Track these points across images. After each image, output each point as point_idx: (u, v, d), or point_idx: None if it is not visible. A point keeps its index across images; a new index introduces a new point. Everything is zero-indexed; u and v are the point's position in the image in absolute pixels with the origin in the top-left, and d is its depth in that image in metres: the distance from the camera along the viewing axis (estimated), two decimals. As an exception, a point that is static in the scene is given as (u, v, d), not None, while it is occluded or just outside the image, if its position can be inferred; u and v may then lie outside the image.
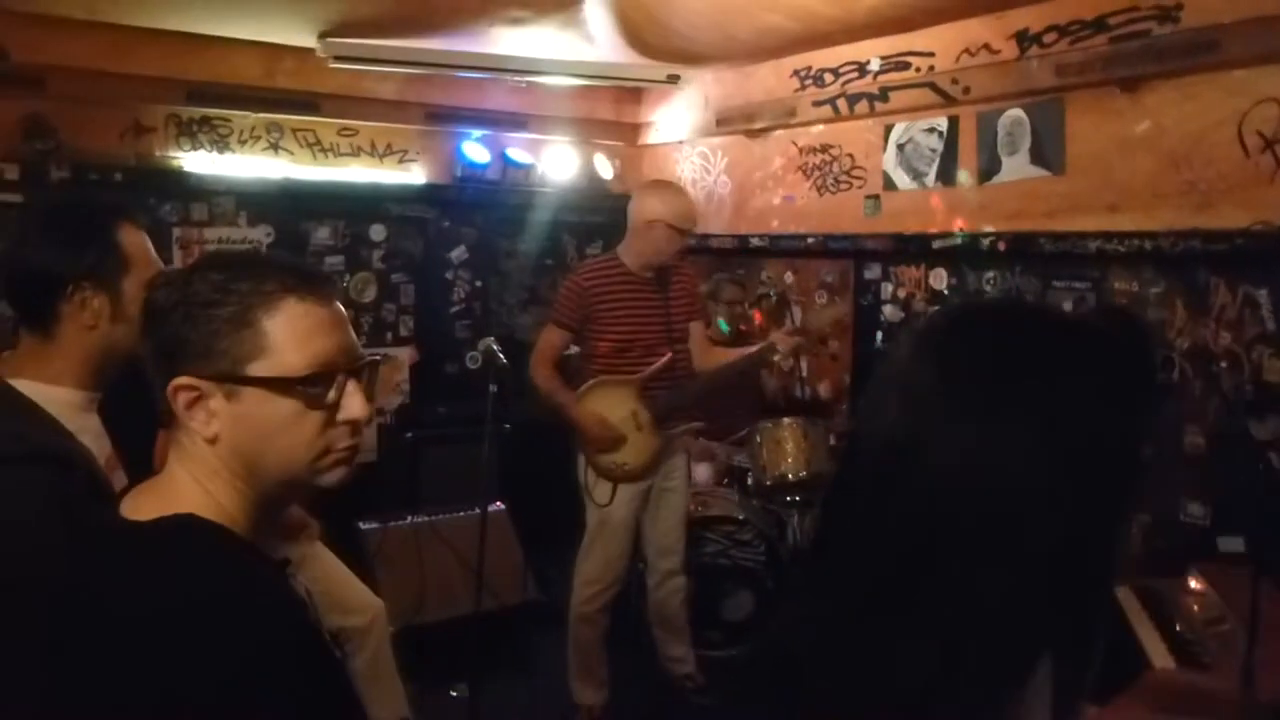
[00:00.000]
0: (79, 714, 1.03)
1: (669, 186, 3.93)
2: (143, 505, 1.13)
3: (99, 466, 1.63)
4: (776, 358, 3.91)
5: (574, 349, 3.94)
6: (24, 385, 1.62)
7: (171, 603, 1.01)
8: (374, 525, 4.39)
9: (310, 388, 1.13)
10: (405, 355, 5.41)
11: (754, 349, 3.91)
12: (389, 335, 5.38)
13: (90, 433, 1.67)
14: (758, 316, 5.29)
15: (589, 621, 3.82)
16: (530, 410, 3.91)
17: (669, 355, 3.71)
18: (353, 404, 1.17)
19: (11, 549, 1.46)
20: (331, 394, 1.16)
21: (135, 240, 1.75)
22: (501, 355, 3.40)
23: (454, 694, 3.89)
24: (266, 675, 0.99)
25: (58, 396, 1.64)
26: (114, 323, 1.70)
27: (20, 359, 1.68)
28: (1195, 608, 2.92)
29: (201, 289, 1.11)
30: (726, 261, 5.54)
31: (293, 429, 1.13)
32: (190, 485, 1.14)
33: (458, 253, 5.61)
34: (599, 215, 5.97)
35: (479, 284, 5.69)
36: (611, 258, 3.81)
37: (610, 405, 3.70)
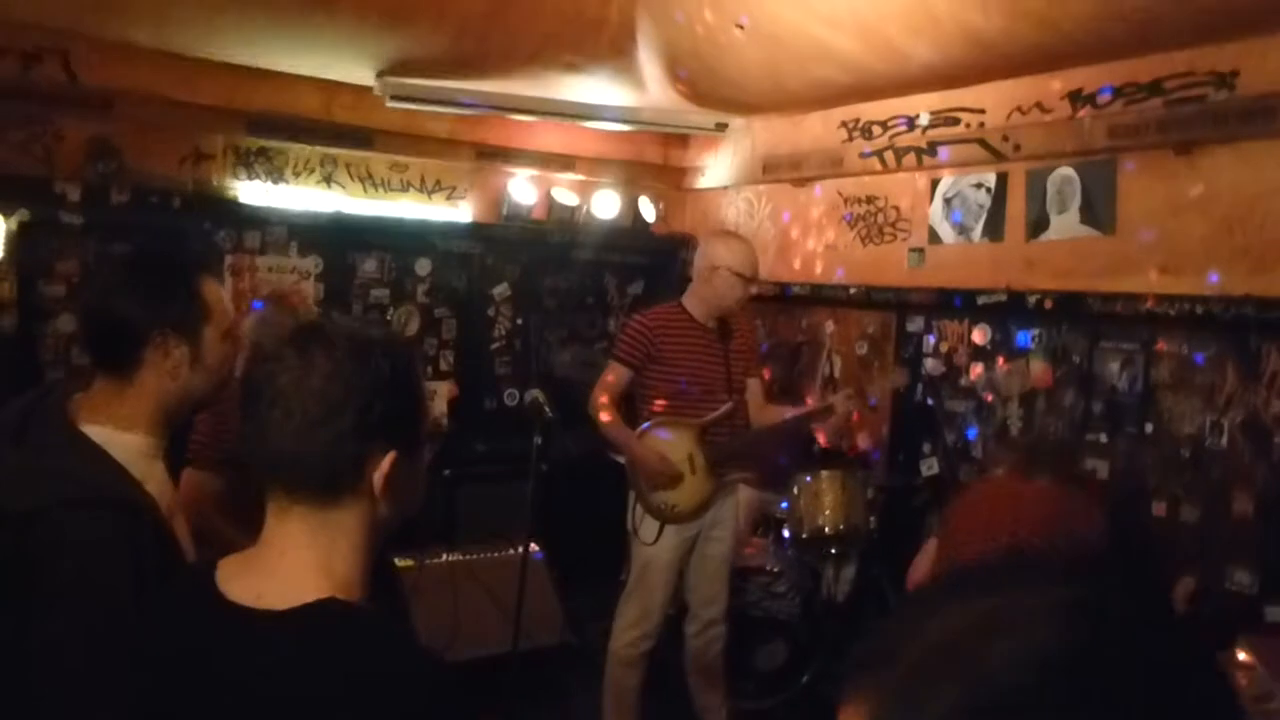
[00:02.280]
0: None
1: (735, 236, 4.01)
2: (261, 586, 1.14)
3: (163, 515, 1.65)
4: (832, 419, 3.93)
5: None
6: (95, 431, 1.65)
7: (341, 693, 1.06)
8: (409, 562, 4.40)
9: (434, 438, 1.29)
10: (445, 390, 5.44)
11: (811, 408, 3.96)
12: (430, 369, 5.42)
13: (156, 480, 1.69)
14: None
15: (628, 665, 3.81)
16: (568, 451, 3.93)
17: (731, 403, 3.76)
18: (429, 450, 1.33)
19: (81, 592, 1.47)
20: None
21: (214, 292, 1.80)
22: (548, 409, 3.42)
23: (484, 733, 3.87)
24: None
25: (128, 443, 1.67)
26: (193, 371, 1.74)
27: (93, 403, 1.70)
28: (1243, 683, 2.86)
29: (383, 369, 1.18)
30: (766, 308, 5.55)
31: (422, 474, 1.28)
32: (316, 564, 1.16)
33: (500, 289, 5.66)
34: (642, 257, 6.02)
35: (520, 321, 5.73)
36: (675, 304, 3.89)
37: (670, 446, 3.75)
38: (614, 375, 3.81)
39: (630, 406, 3.91)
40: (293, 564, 1.16)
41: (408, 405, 1.21)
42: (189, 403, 1.78)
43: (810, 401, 4.82)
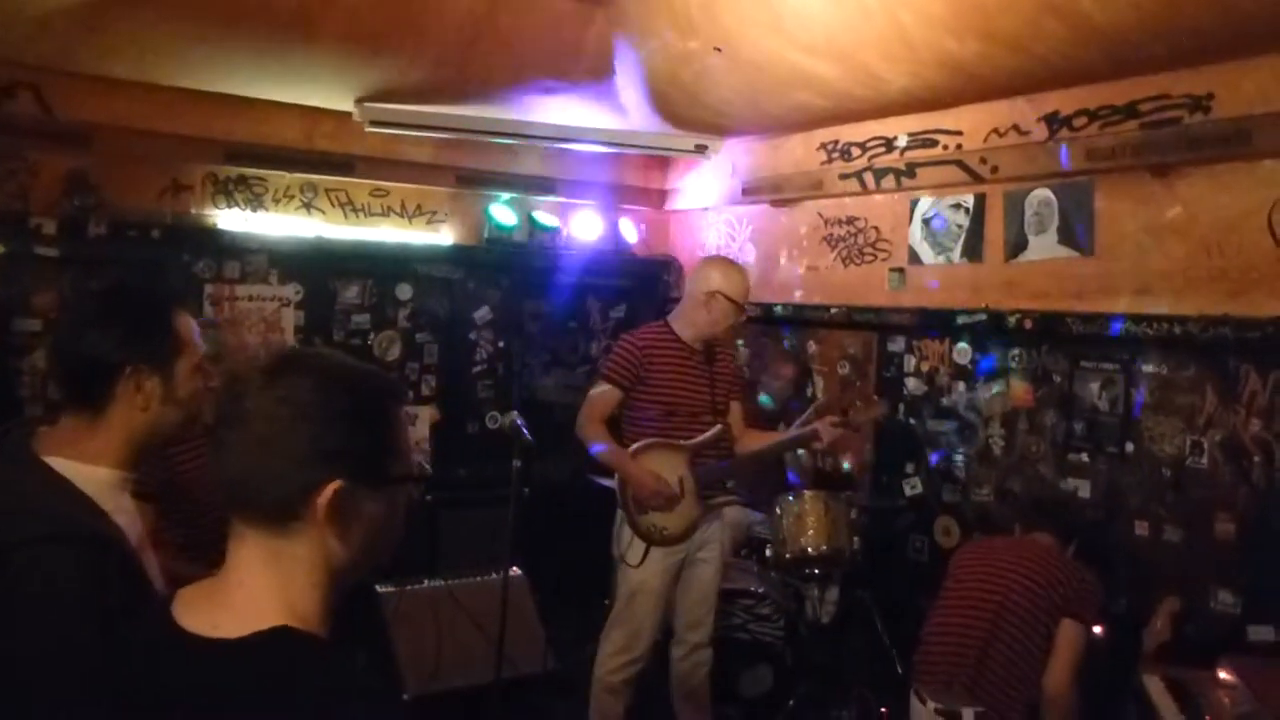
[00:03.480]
0: None
1: (730, 262, 4.03)
2: (218, 617, 1.13)
3: (131, 548, 1.63)
4: (818, 446, 3.91)
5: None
6: (60, 464, 1.63)
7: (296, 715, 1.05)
8: (391, 589, 4.36)
9: (417, 482, 1.26)
10: (427, 415, 5.42)
11: (797, 434, 3.93)
12: (411, 394, 5.40)
13: (125, 513, 1.68)
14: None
15: (613, 692, 3.79)
16: (551, 476, 3.92)
17: (720, 426, 3.76)
18: (415, 489, 1.28)
19: (43, 629, 1.46)
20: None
21: (186, 325, 1.79)
22: (526, 431, 3.42)
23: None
24: None
25: (95, 476, 1.65)
26: (164, 404, 1.73)
27: (59, 437, 1.69)
28: (1226, 701, 2.87)
29: (338, 398, 1.16)
30: (748, 329, 5.56)
31: (398, 518, 1.24)
32: (272, 593, 1.15)
33: (482, 313, 5.64)
34: (624, 279, 6.02)
35: (502, 344, 5.71)
36: (663, 325, 3.89)
37: (662, 467, 3.74)
38: (603, 396, 3.79)
39: (614, 429, 3.90)
40: (249, 593, 1.15)
41: (371, 440, 1.18)
42: (158, 436, 1.76)
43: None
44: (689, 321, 3.82)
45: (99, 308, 1.77)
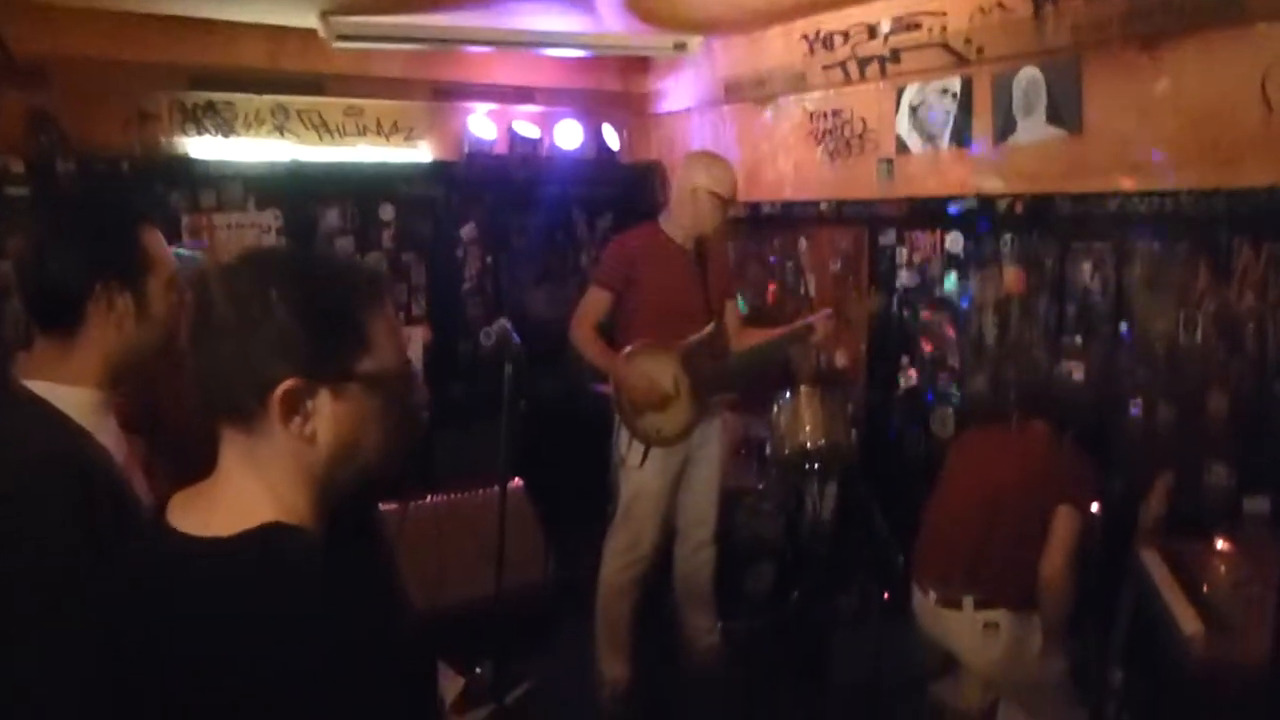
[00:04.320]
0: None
1: (712, 155, 3.97)
2: (208, 516, 1.13)
3: (119, 468, 1.62)
4: (814, 339, 3.88)
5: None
6: (40, 387, 1.62)
7: (281, 611, 1.04)
8: (393, 507, 4.39)
9: (401, 382, 1.21)
10: (418, 335, 5.39)
11: (791, 328, 3.92)
12: (401, 315, 5.36)
13: (108, 433, 1.67)
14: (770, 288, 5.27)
15: (620, 593, 3.84)
16: (545, 388, 3.91)
17: (712, 325, 3.74)
18: (420, 392, 1.24)
19: (35, 554, 1.46)
20: (408, 385, 1.25)
21: (155, 241, 1.75)
22: (515, 335, 3.39)
23: (478, 671, 3.91)
24: (367, 670, 1.04)
25: (75, 397, 1.64)
26: (138, 322, 1.69)
27: (37, 360, 1.67)
28: (1222, 570, 2.91)
29: (295, 293, 1.12)
30: (737, 230, 5.49)
31: (383, 421, 1.19)
32: (261, 491, 1.14)
33: (467, 230, 5.57)
34: (609, 187, 5.92)
35: (489, 260, 5.65)
36: (653, 226, 3.87)
37: (654, 369, 3.73)
38: (594, 299, 3.81)
39: (609, 335, 3.89)
40: (237, 492, 1.15)
41: (331, 337, 1.14)
42: (135, 355, 1.73)
43: None
44: (677, 221, 3.79)
45: (62, 227, 1.72)
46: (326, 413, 1.14)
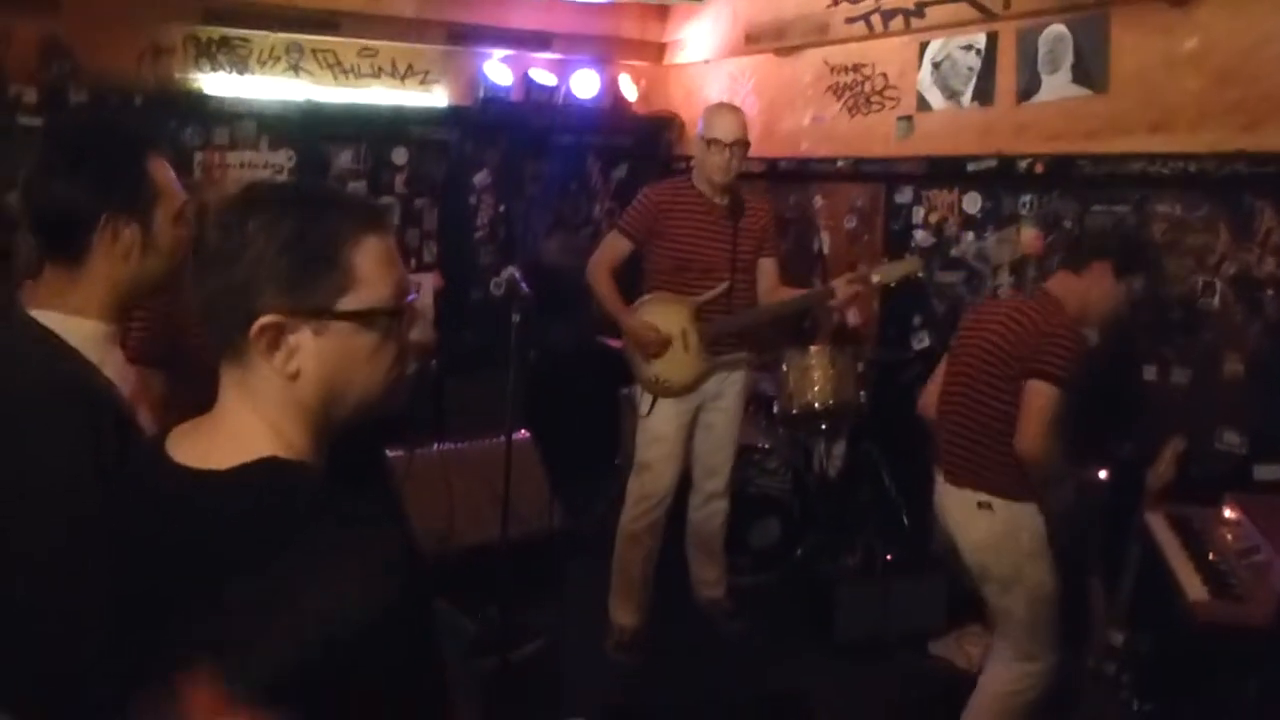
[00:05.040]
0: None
1: (720, 105, 4.02)
2: (207, 448, 1.12)
3: (125, 400, 1.61)
4: (833, 303, 3.79)
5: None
6: (46, 316, 1.60)
7: (279, 545, 1.02)
8: (400, 453, 4.40)
9: (393, 318, 1.17)
10: (430, 282, 5.37)
11: (810, 291, 3.92)
12: (412, 262, 5.33)
13: (114, 366, 1.65)
14: None
15: (635, 540, 3.87)
16: (557, 338, 3.90)
17: (727, 283, 3.73)
18: (421, 330, 1.23)
19: (41, 482, 1.45)
20: (405, 322, 1.20)
21: (163, 171, 1.72)
22: (524, 285, 3.39)
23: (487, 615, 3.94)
24: (384, 608, 1.02)
25: (82, 329, 1.62)
26: (144, 254, 1.67)
27: (43, 290, 1.65)
28: (1229, 537, 2.89)
29: (278, 228, 1.10)
30: (753, 185, 5.44)
31: (376, 358, 1.17)
32: (258, 424, 1.13)
33: (481, 177, 5.53)
34: (624, 137, 5.87)
35: (503, 208, 5.61)
36: (685, 179, 3.90)
37: (664, 319, 3.77)
38: (612, 244, 3.87)
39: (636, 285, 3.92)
40: (235, 425, 1.14)
41: (315, 272, 1.11)
42: (143, 287, 1.71)
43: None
44: (699, 174, 3.80)
45: (68, 154, 1.69)
46: (310, 349, 1.12)
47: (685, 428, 3.87)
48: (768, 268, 3.89)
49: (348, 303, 1.13)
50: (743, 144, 3.71)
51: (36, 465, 1.46)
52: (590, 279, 3.83)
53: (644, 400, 3.85)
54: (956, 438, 3.03)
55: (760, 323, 3.94)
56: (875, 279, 3.69)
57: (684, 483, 4.01)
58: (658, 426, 3.83)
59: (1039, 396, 2.80)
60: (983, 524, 2.97)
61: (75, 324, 1.62)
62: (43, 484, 1.45)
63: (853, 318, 4.96)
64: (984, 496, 2.95)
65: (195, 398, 2.51)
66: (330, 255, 1.12)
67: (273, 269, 1.09)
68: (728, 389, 3.92)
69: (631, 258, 3.86)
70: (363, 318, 1.14)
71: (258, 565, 1.01)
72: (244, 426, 1.13)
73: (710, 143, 3.67)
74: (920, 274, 4.09)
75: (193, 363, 2.99)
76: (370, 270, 1.14)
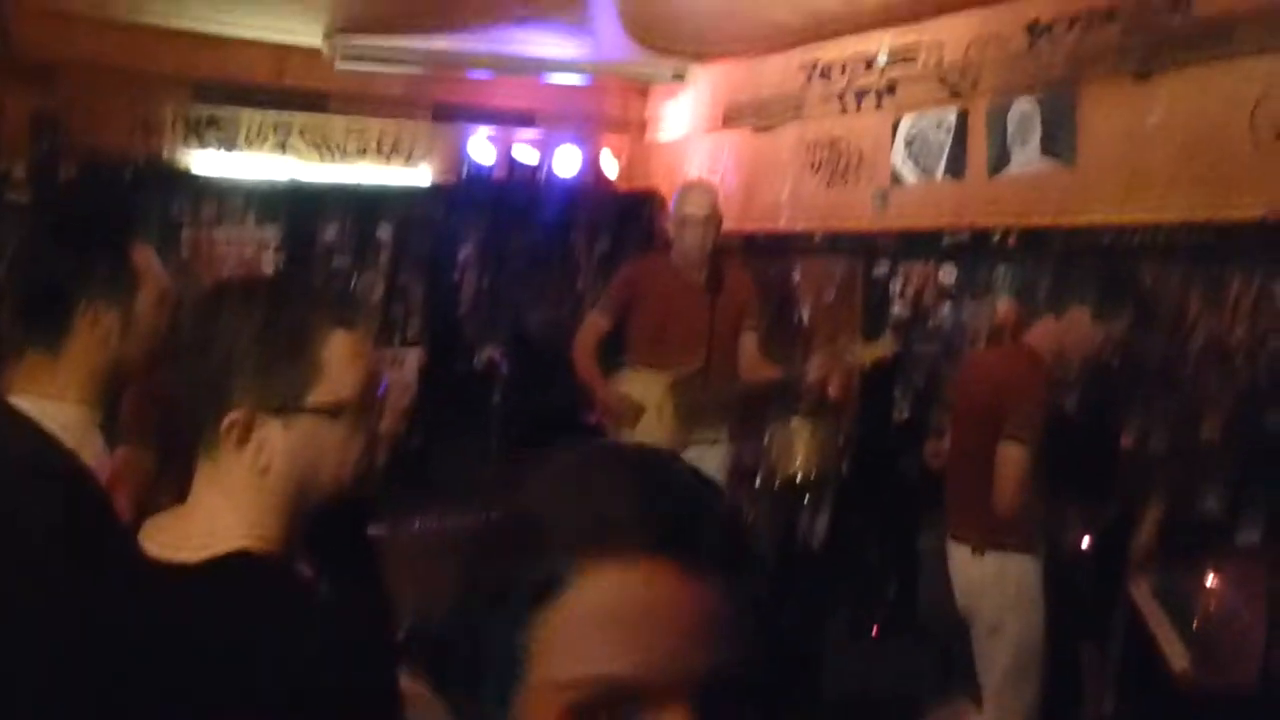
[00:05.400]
0: None
1: (690, 182, 4.11)
2: (179, 540, 1.12)
3: (102, 487, 1.60)
4: (810, 379, 3.82)
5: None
6: (26, 401, 1.59)
7: (246, 640, 1.03)
8: (383, 529, 4.36)
9: (362, 409, 1.18)
10: (413, 357, 5.39)
11: (784, 375, 3.90)
12: (396, 337, 5.36)
13: (93, 451, 1.65)
14: None
15: None
16: (539, 411, 3.92)
17: (701, 363, 3.75)
18: (391, 419, 1.23)
19: (20, 570, 1.43)
20: (375, 413, 1.22)
21: (146, 257, 1.74)
22: (504, 366, 3.44)
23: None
24: (328, 684, 1.03)
25: (61, 413, 1.61)
26: (123, 340, 1.68)
27: (23, 374, 1.65)
28: (1212, 605, 2.88)
29: (248, 323, 1.12)
30: (731, 259, 5.51)
31: (344, 449, 1.18)
32: (229, 516, 1.14)
33: (465, 252, 5.58)
34: (606, 213, 5.94)
35: (486, 283, 5.65)
36: (665, 255, 3.97)
37: (640, 391, 3.79)
38: (593, 324, 3.93)
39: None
40: (207, 516, 1.15)
41: (282, 367, 1.13)
42: (123, 373, 1.72)
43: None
44: (676, 249, 3.85)
45: (51, 239, 1.72)
46: (279, 442, 1.13)
47: None
48: (748, 343, 3.90)
49: (316, 396, 1.14)
50: (715, 219, 3.76)
51: (11, 549, 1.44)
52: (573, 358, 3.86)
53: None
54: (952, 488, 3.10)
55: (734, 402, 3.94)
56: (848, 359, 3.75)
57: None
58: None
59: (1009, 463, 2.85)
60: (974, 570, 3.05)
61: (54, 408, 1.60)
62: (10, 573, 1.44)
63: (833, 390, 4.97)
64: (977, 544, 3.02)
65: (183, 477, 2.48)
66: (299, 349, 1.14)
67: (242, 363, 1.11)
68: (704, 468, 3.88)
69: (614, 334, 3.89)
70: (332, 410, 1.15)
71: (225, 657, 1.01)
72: (215, 518, 1.14)
73: (684, 219, 3.72)
74: (893, 352, 4.12)
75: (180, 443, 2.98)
76: (338, 363, 1.16)
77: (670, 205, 3.92)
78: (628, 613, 0.60)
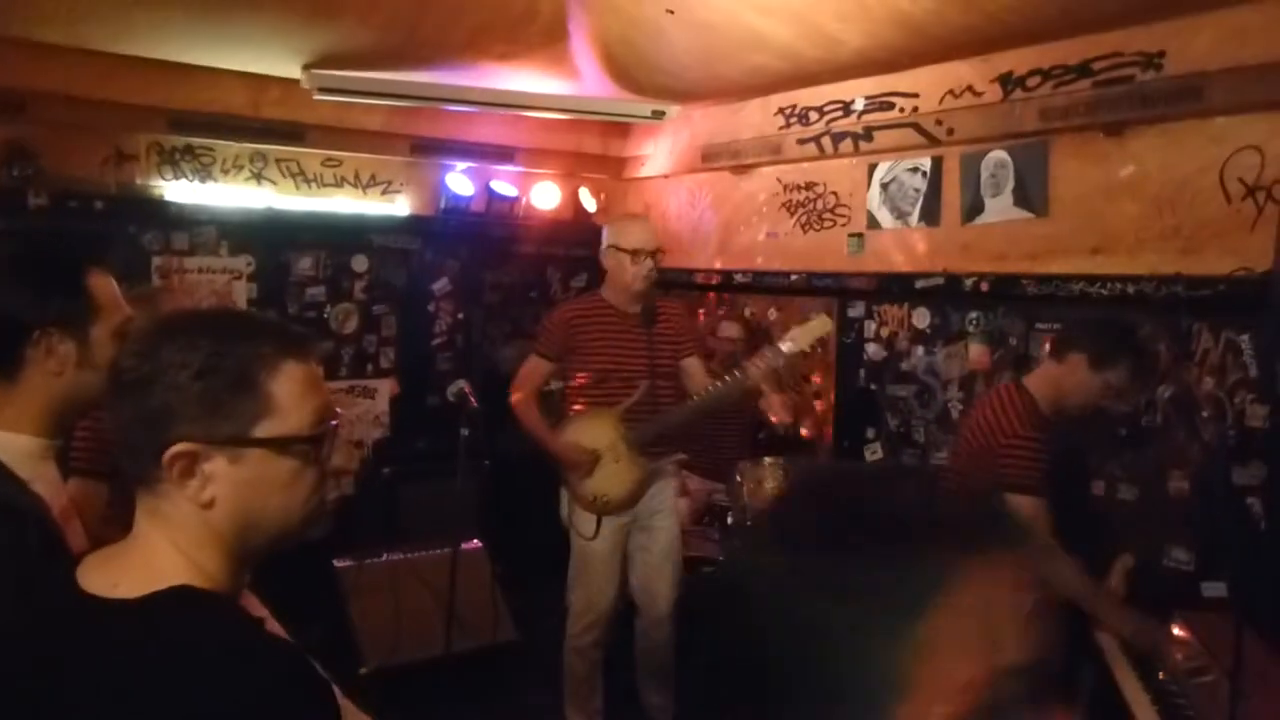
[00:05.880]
0: None
1: (625, 215, 4.02)
2: (118, 577, 1.10)
3: (53, 518, 1.58)
4: (749, 383, 3.57)
5: (557, 384, 3.94)
6: None
7: (186, 678, 1.00)
8: (349, 563, 4.32)
9: (312, 445, 1.15)
10: (386, 388, 5.36)
11: (726, 380, 3.65)
12: (369, 367, 5.33)
13: (46, 481, 1.63)
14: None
15: (581, 654, 3.79)
16: (510, 446, 3.88)
17: (645, 384, 3.70)
18: (343, 455, 1.20)
19: None
20: (325, 449, 1.18)
21: (104, 286, 1.72)
22: (473, 399, 3.40)
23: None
24: None
25: (14, 444, 1.60)
26: (80, 370, 1.66)
27: None
28: (1179, 657, 2.89)
29: (193, 356, 1.10)
30: (708, 297, 5.55)
31: (293, 486, 1.15)
32: (171, 553, 1.11)
33: (440, 285, 5.58)
34: (583, 249, 5.93)
35: (461, 316, 5.65)
36: (595, 293, 3.88)
37: (590, 435, 3.71)
38: (529, 368, 3.83)
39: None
40: (147, 553, 1.12)
41: (230, 400, 1.10)
42: (78, 403, 1.69)
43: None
44: (609, 286, 3.80)
45: (7, 270, 1.69)
46: (224, 477, 1.11)
47: (620, 543, 3.80)
48: (692, 367, 3.83)
49: (264, 429, 1.12)
50: (660, 251, 3.74)
51: None
52: (515, 406, 3.77)
53: (585, 521, 3.75)
54: None
55: (686, 419, 3.87)
56: (786, 348, 3.51)
57: (626, 592, 3.93)
58: (595, 544, 3.74)
59: (1020, 513, 2.84)
60: None
61: (7, 439, 1.60)
62: None
63: (806, 429, 5.00)
64: None
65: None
66: (246, 382, 1.11)
67: (186, 396, 1.09)
68: (663, 503, 3.83)
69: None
70: (280, 445, 1.12)
71: (161, 697, 0.99)
72: (156, 554, 1.11)
73: (633, 253, 3.65)
74: (830, 332, 3.91)
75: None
76: (288, 396, 1.13)
77: (604, 235, 3.81)
78: (997, 609, 0.66)
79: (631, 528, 3.82)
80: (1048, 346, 3.57)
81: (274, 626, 1.25)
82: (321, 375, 1.21)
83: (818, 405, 4.98)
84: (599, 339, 3.72)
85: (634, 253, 3.66)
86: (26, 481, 1.56)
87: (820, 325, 3.57)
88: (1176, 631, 2.99)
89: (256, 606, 1.26)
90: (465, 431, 3.34)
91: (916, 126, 4.17)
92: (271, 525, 1.15)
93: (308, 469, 1.15)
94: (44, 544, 1.50)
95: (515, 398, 3.77)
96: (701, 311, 5.59)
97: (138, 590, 1.07)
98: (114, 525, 2.69)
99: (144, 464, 1.11)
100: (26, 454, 1.61)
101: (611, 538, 3.76)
